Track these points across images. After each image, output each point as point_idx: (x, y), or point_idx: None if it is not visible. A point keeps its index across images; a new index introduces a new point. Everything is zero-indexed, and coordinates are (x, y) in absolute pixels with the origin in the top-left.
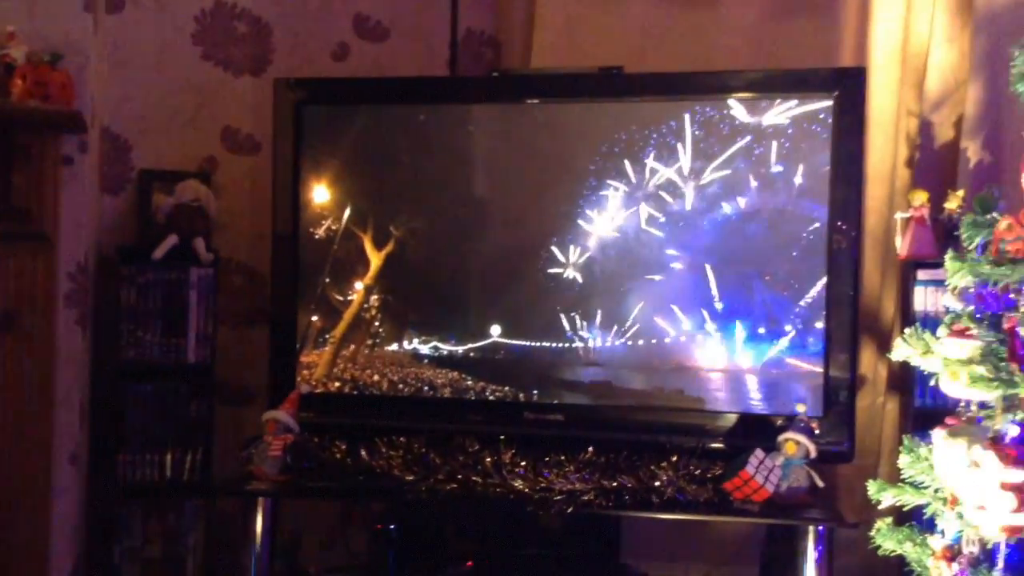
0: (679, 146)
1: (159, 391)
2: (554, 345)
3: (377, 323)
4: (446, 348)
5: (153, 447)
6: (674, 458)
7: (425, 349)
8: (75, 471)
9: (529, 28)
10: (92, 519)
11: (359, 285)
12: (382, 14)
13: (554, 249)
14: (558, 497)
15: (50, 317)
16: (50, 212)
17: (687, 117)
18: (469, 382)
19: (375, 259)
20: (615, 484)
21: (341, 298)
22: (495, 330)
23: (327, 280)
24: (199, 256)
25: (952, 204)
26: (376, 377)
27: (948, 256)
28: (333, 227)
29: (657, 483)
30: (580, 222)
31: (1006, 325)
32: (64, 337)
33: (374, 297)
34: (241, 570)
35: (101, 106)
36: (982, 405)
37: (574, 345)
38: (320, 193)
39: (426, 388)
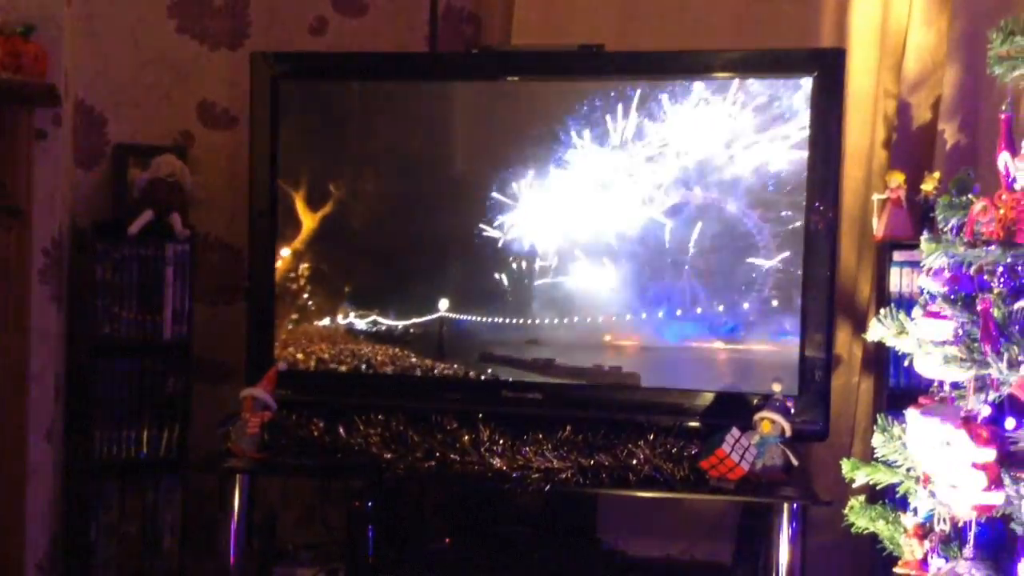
0: (659, 124)
1: (135, 367)
2: (531, 322)
3: (353, 299)
4: (416, 324)
5: (129, 424)
6: (651, 436)
7: (400, 327)
8: (50, 448)
9: (510, 5)
10: (68, 496)
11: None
12: None
13: (531, 226)
14: (536, 475)
15: (24, 293)
16: (23, 186)
17: (667, 95)
18: (444, 361)
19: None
20: (592, 462)
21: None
22: (470, 306)
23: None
24: (175, 231)
25: (928, 186)
26: (347, 355)
27: (923, 237)
28: (308, 202)
29: (634, 461)
30: (559, 199)
31: (979, 306)
32: (38, 313)
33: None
34: (218, 547)
35: (75, 79)
36: (955, 385)
37: (552, 323)
38: (297, 168)
39: (401, 365)
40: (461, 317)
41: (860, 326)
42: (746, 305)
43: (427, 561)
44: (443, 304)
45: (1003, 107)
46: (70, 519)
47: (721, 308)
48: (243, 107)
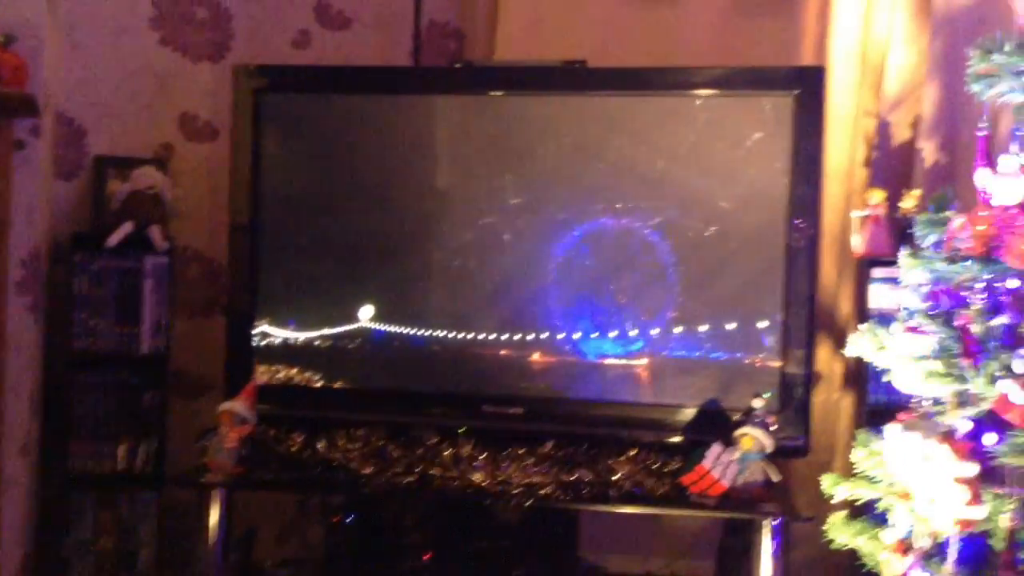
0: (640, 140)
1: (112, 381)
2: (513, 338)
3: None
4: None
5: (106, 438)
6: (632, 452)
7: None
8: (25, 462)
9: (493, 20)
10: (43, 510)
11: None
12: (344, 2)
13: (511, 240)
14: (517, 490)
15: (1, 304)
16: (1, 197)
17: (648, 112)
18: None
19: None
20: (574, 478)
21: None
22: (452, 321)
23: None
24: (154, 244)
25: (908, 203)
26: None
27: (903, 253)
28: (290, 216)
29: (615, 477)
30: (539, 213)
31: (959, 322)
32: (15, 325)
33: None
34: (195, 563)
35: (55, 90)
36: (935, 401)
37: (535, 338)
38: (278, 183)
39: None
40: (453, 333)
41: (840, 342)
42: (727, 321)
43: None
44: (435, 317)
45: (980, 125)
46: (45, 534)
47: (702, 324)
48: (225, 120)
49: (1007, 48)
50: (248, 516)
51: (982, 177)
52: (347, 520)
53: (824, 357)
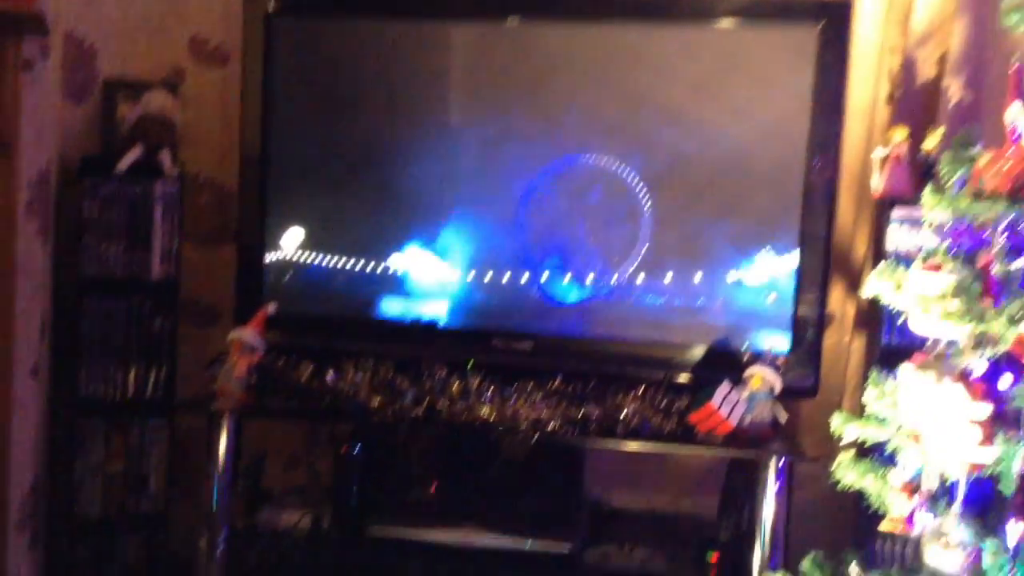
0: (658, 71)
1: (122, 307)
2: (522, 274)
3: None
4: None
5: (115, 363)
6: (640, 389)
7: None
8: (35, 385)
9: None
10: (52, 435)
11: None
12: None
13: (525, 174)
14: (524, 424)
15: (10, 227)
16: (9, 118)
17: (669, 41)
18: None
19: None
20: (581, 413)
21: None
22: (463, 254)
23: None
24: (164, 169)
25: (931, 142)
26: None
27: (927, 190)
28: (302, 143)
29: (623, 414)
30: (550, 144)
31: (981, 262)
32: (24, 248)
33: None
34: (204, 488)
35: (65, 9)
36: (951, 342)
37: (545, 272)
38: (290, 109)
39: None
40: (464, 266)
41: (854, 284)
42: (739, 259)
43: (412, 507)
44: (446, 249)
45: (1014, 59)
46: (55, 457)
47: (715, 262)
48: (236, 44)
49: None
50: (256, 444)
51: (1014, 113)
52: (354, 450)
53: (837, 298)
